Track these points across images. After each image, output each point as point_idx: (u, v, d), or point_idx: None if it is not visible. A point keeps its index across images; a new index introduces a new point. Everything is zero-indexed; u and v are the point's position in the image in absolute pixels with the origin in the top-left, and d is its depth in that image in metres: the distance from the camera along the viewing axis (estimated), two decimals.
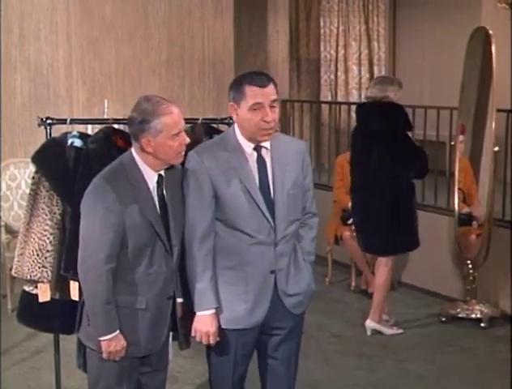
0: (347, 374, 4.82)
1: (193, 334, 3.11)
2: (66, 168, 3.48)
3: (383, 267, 5.38)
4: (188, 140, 2.97)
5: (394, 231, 5.21)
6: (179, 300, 3.17)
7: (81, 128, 3.80)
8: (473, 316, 5.64)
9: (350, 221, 5.85)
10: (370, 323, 5.45)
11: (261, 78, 3.00)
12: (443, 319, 5.72)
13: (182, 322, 3.22)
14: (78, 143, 3.56)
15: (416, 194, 6.66)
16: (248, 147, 3.06)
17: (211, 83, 7.11)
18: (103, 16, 6.58)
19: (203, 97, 7.07)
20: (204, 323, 3.06)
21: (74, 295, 3.43)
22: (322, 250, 5.95)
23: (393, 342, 5.34)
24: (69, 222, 3.48)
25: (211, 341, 3.08)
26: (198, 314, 3.07)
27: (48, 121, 3.70)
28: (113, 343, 2.94)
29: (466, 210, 5.88)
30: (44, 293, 3.57)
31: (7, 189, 6.10)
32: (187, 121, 3.85)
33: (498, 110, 5.65)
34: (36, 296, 3.59)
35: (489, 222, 5.63)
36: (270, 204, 3.05)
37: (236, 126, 3.08)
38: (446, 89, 7.20)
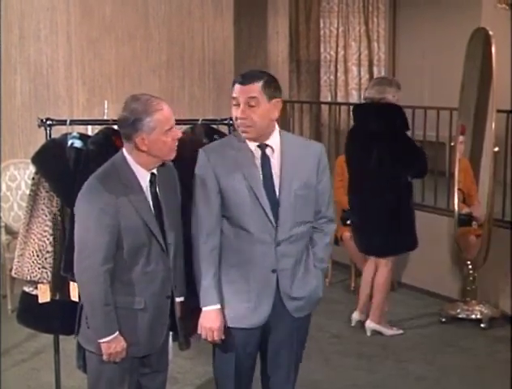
0: (347, 375, 4.82)
1: (198, 330, 3.13)
2: (66, 169, 3.48)
3: (383, 267, 5.38)
4: (180, 134, 2.99)
5: (394, 231, 5.22)
6: (178, 299, 3.18)
7: (81, 129, 3.80)
8: (473, 317, 5.64)
9: (349, 222, 5.86)
10: (370, 324, 5.46)
11: (245, 75, 3.03)
12: (443, 320, 5.72)
13: (182, 322, 3.22)
14: (78, 143, 3.56)
15: (416, 194, 6.67)
16: (252, 144, 3.08)
17: (211, 83, 7.11)
18: (103, 16, 6.58)
19: (203, 98, 7.07)
20: (208, 319, 3.08)
21: (74, 296, 3.43)
22: None
23: (393, 342, 5.34)
24: (69, 223, 3.48)
25: (215, 337, 3.09)
26: (203, 309, 3.10)
27: (48, 122, 3.70)
28: (112, 344, 2.94)
29: (466, 210, 5.89)
30: (44, 294, 3.57)
31: (7, 189, 6.09)
32: (187, 121, 3.87)
33: (498, 111, 5.65)
34: (36, 296, 3.59)
35: (489, 222, 5.63)
36: (275, 203, 3.06)
37: None
38: (446, 90, 7.20)
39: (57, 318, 3.55)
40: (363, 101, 5.61)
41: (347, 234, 6.13)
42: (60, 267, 3.50)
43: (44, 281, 3.54)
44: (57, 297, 3.57)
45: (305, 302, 3.18)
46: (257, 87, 3.00)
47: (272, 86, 3.04)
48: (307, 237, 3.18)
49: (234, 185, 3.05)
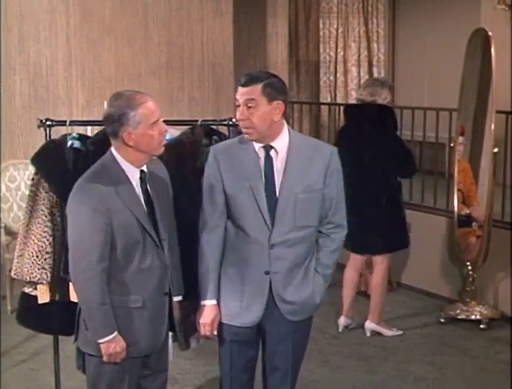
0: (346, 376, 4.82)
1: (197, 325, 3.18)
2: (66, 170, 3.48)
3: (379, 265, 5.41)
4: (166, 127, 2.98)
5: (387, 229, 5.27)
6: (177, 298, 3.18)
7: (80, 129, 3.80)
8: (472, 317, 5.65)
9: None
10: (370, 324, 5.46)
11: (246, 77, 3.04)
12: (442, 321, 5.72)
13: (182, 322, 3.22)
14: (77, 144, 3.56)
15: (416, 195, 6.70)
16: (257, 145, 3.08)
17: (210, 84, 7.12)
18: (102, 18, 6.58)
19: (203, 99, 7.07)
20: (202, 314, 3.15)
21: (74, 297, 3.41)
22: None
23: (392, 343, 5.34)
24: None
25: (207, 332, 3.15)
26: (200, 303, 3.15)
27: (47, 123, 3.70)
28: (112, 344, 2.93)
29: (465, 211, 5.89)
30: (43, 295, 3.57)
31: (7, 190, 6.10)
32: (186, 122, 3.88)
33: (498, 112, 5.65)
34: (36, 297, 3.59)
35: (489, 223, 5.63)
36: (274, 205, 3.06)
37: None
38: (446, 90, 7.20)
39: (57, 318, 3.55)
40: (354, 102, 5.67)
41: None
42: (59, 267, 3.50)
43: (44, 282, 3.54)
44: (57, 298, 3.57)
45: (300, 307, 3.17)
46: (256, 89, 2.99)
47: (274, 88, 3.02)
48: (309, 241, 3.15)
49: (236, 185, 3.07)
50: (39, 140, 3.84)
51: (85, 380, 3.24)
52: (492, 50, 5.54)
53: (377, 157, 5.16)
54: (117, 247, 2.90)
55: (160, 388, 3.25)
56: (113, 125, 2.91)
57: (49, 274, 3.54)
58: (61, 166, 3.47)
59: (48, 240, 3.53)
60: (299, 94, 9.72)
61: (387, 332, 5.46)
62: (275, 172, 3.08)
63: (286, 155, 3.08)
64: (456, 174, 5.91)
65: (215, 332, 3.17)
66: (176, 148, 3.59)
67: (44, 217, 3.53)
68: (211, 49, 7.10)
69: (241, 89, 3.01)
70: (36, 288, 3.59)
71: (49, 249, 3.53)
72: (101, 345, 2.93)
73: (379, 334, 5.44)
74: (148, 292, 2.98)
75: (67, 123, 3.71)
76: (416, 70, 9.51)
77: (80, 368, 3.58)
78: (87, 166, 3.21)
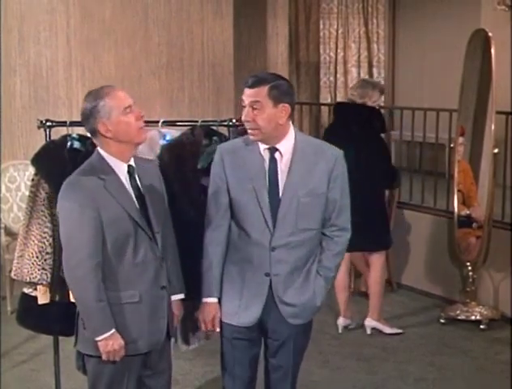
0: (346, 376, 4.82)
1: (198, 322, 3.21)
2: (66, 171, 3.47)
3: (376, 262, 5.47)
4: (142, 113, 2.97)
5: (379, 227, 5.36)
6: (178, 296, 3.18)
7: (80, 130, 3.78)
8: (472, 318, 5.65)
9: None
10: (370, 322, 5.50)
11: (252, 79, 3.04)
12: (443, 321, 5.72)
13: (183, 321, 3.23)
14: (77, 145, 3.57)
15: (416, 196, 6.70)
16: (262, 147, 3.09)
17: (210, 85, 7.12)
18: (102, 19, 6.58)
19: (203, 100, 7.07)
20: (202, 310, 3.17)
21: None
22: None
23: (392, 344, 5.34)
24: None
25: (205, 328, 3.19)
26: (202, 300, 3.18)
27: (47, 124, 3.71)
28: (110, 342, 2.91)
29: (465, 212, 5.89)
30: (43, 295, 3.57)
31: (7, 191, 6.10)
32: (187, 123, 3.88)
33: (498, 112, 5.66)
34: (36, 298, 3.59)
35: (489, 224, 5.63)
36: (276, 208, 3.06)
37: None
38: (446, 91, 7.21)
39: (57, 319, 3.54)
40: (343, 100, 5.74)
41: None
42: (59, 268, 3.49)
43: (44, 282, 3.54)
44: (57, 299, 3.57)
45: (301, 310, 3.16)
46: (262, 91, 2.99)
47: (280, 90, 3.02)
48: (311, 244, 3.14)
49: (239, 186, 3.08)
50: (39, 141, 3.84)
51: (85, 380, 3.24)
52: (493, 51, 5.54)
53: (362, 157, 5.19)
54: (108, 242, 2.89)
55: (164, 388, 3.24)
56: (89, 121, 2.94)
57: (49, 274, 3.54)
58: (62, 167, 3.46)
59: (48, 240, 3.53)
60: (299, 95, 9.72)
61: (387, 329, 5.48)
62: (279, 174, 3.07)
63: (291, 157, 3.08)
64: (456, 175, 5.91)
65: (218, 329, 3.18)
66: (176, 149, 3.59)
67: (44, 218, 3.53)
68: (211, 49, 7.09)
69: (247, 90, 3.01)
70: (36, 289, 3.59)
71: (49, 249, 3.53)
72: (99, 343, 2.92)
73: (379, 334, 5.45)
74: (145, 287, 2.97)
75: (67, 124, 3.71)
76: (416, 70, 9.51)
77: (80, 368, 3.57)
78: None
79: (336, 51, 9.82)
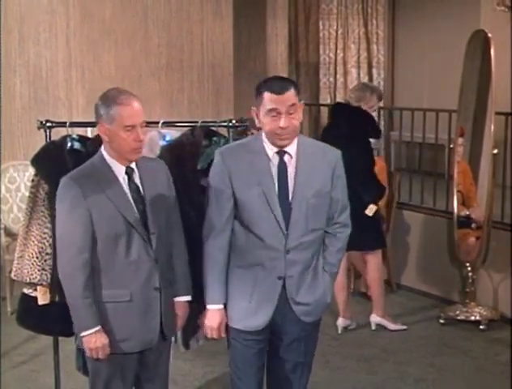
0: (346, 377, 4.82)
1: (204, 329, 3.17)
2: (66, 171, 3.47)
3: (372, 260, 5.51)
4: (142, 137, 2.97)
5: (372, 227, 5.35)
6: (185, 298, 3.18)
7: (80, 131, 3.80)
8: (472, 318, 5.65)
9: None
10: (375, 318, 5.55)
11: (279, 84, 3.01)
12: (442, 322, 5.73)
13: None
14: (77, 145, 3.57)
15: (415, 196, 6.70)
16: (271, 150, 3.06)
17: (210, 86, 7.12)
18: (102, 19, 6.58)
19: (202, 100, 7.08)
20: (209, 317, 3.12)
21: None
22: None
23: (392, 344, 5.34)
24: None
25: (215, 336, 3.13)
26: (207, 307, 3.13)
27: (47, 124, 3.71)
28: (93, 339, 2.94)
29: (465, 212, 5.89)
30: (43, 296, 3.57)
31: (7, 191, 6.10)
32: (186, 123, 3.88)
33: (497, 113, 5.66)
34: (36, 298, 3.59)
35: (488, 224, 5.64)
36: (287, 211, 3.05)
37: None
38: (445, 92, 7.21)
39: (57, 319, 3.54)
40: (341, 101, 5.76)
41: None
42: None
43: (44, 283, 3.54)
44: (57, 299, 3.56)
45: (313, 307, 3.18)
46: (292, 93, 3.00)
47: (298, 88, 3.07)
48: (317, 243, 3.16)
49: (248, 191, 3.04)
50: (39, 141, 3.85)
51: (85, 381, 3.27)
52: (492, 51, 5.55)
53: (346, 158, 5.19)
54: (99, 240, 2.93)
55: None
56: (96, 115, 2.98)
57: (49, 275, 3.54)
58: (61, 167, 3.46)
59: (48, 241, 3.53)
60: (299, 95, 9.72)
61: (392, 326, 5.54)
62: (289, 177, 3.07)
63: (295, 159, 3.08)
64: (456, 175, 5.92)
65: (223, 335, 3.15)
66: (176, 149, 3.60)
67: (44, 218, 3.53)
68: (210, 50, 7.10)
69: (280, 98, 2.97)
70: (36, 290, 3.59)
71: (49, 250, 3.53)
72: (83, 339, 2.96)
73: (379, 334, 5.46)
74: (136, 286, 2.98)
75: (67, 124, 3.71)
76: (416, 71, 9.52)
77: (80, 369, 3.59)
78: None
79: (336, 52, 9.81)
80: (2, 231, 5.91)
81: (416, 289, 6.46)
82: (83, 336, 2.95)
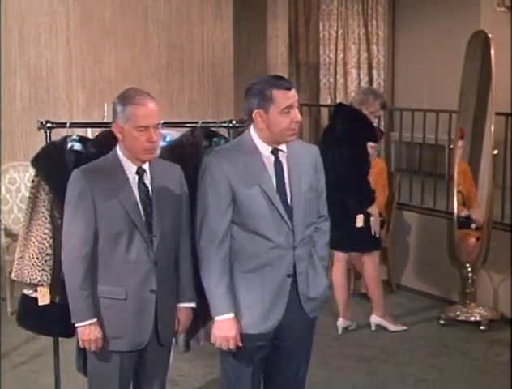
0: (346, 377, 4.82)
1: (212, 340, 3.07)
2: (66, 172, 3.47)
3: (369, 261, 5.52)
4: (155, 139, 2.98)
5: (366, 229, 5.35)
6: (189, 305, 3.18)
7: (81, 132, 3.80)
8: (472, 319, 5.65)
9: None
10: (374, 319, 5.56)
11: (283, 80, 3.08)
12: (442, 322, 5.73)
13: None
14: (77, 146, 3.57)
15: (415, 196, 6.70)
16: (265, 150, 3.06)
17: (210, 87, 7.12)
18: (103, 20, 6.59)
19: (203, 101, 7.08)
20: (223, 328, 3.02)
21: None
22: None
23: (392, 345, 5.34)
24: None
25: (231, 346, 3.03)
26: (216, 319, 3.04)
27: (47, 125, 3.71)
28: (87, 331, 2.98)
29: (465, 213, 5.89)
30: (43, 297, 3.58)
31: (7, 192, 6.10)
32: (187, 124, 3.89)
33: (497, 113, 5.66)
34: (36, 299, 3.59)
35: (488, 225, 5.64)
36: (288, 207, 3.06)
37: (252, 130, 3.08)
38: (445, 92, 7.21)
39: (57, 320, 3.54)
40: (345, 102, 5.77)
41: None
42: (60, 269, 3.49)
43: (44, 284, 3.54)
44: (57, 300, 3.57)
45: (319, 302, 3.21)
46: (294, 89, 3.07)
47: None
48: (311, 237, 3.19)
49: (249, 193, 3.01)
50: (39, 142, 3.85)
51: (85, 382, 3.27)
52: (492, 52, 5.55)
53: (342, 162, 5.20)
54: (101, 235, 2.96)
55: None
56: (113, 113, 2.99)
57: (49, 276, 3.54)
58: (62, 168, 3.47)
59: (48, 242, 3.53)
60: (299, 96, 9.67)
61: (392, 327, 5.54)
62: (285, 174, 3.08)
63: (286, 156, 3.10)
64: (456, 176, 5.92)
65: (240, 344, 3.04)
66: (176, 150, 3.60)
67: (44, 219, 3.53)
68: (211, 51, 7.10)
69: (290, 93, 3.03)
70: (36, 290, 3.59)
71: (49, 251, 3.53)
72: (78, 329, 3.00)
73: (379, 335, 5.46)
74: (132, 286, 3.00)
75: (67, 125, 3.71)
76: (416, 72, 9.52)
77: (80, 370, 3.59)
78: None
79: (336, 52, 9.81)
80: (3, 232, 5.92)
81: (416, 290, 6.46)
82: (78, 327, 2.99)
